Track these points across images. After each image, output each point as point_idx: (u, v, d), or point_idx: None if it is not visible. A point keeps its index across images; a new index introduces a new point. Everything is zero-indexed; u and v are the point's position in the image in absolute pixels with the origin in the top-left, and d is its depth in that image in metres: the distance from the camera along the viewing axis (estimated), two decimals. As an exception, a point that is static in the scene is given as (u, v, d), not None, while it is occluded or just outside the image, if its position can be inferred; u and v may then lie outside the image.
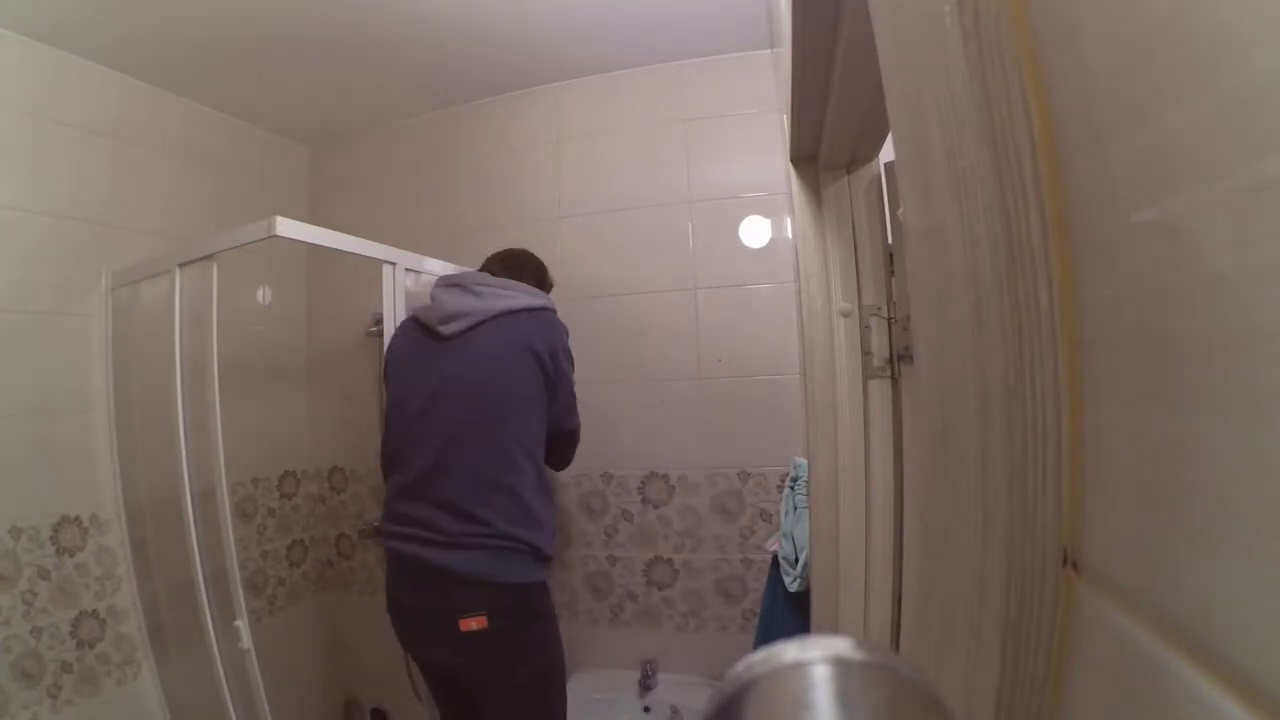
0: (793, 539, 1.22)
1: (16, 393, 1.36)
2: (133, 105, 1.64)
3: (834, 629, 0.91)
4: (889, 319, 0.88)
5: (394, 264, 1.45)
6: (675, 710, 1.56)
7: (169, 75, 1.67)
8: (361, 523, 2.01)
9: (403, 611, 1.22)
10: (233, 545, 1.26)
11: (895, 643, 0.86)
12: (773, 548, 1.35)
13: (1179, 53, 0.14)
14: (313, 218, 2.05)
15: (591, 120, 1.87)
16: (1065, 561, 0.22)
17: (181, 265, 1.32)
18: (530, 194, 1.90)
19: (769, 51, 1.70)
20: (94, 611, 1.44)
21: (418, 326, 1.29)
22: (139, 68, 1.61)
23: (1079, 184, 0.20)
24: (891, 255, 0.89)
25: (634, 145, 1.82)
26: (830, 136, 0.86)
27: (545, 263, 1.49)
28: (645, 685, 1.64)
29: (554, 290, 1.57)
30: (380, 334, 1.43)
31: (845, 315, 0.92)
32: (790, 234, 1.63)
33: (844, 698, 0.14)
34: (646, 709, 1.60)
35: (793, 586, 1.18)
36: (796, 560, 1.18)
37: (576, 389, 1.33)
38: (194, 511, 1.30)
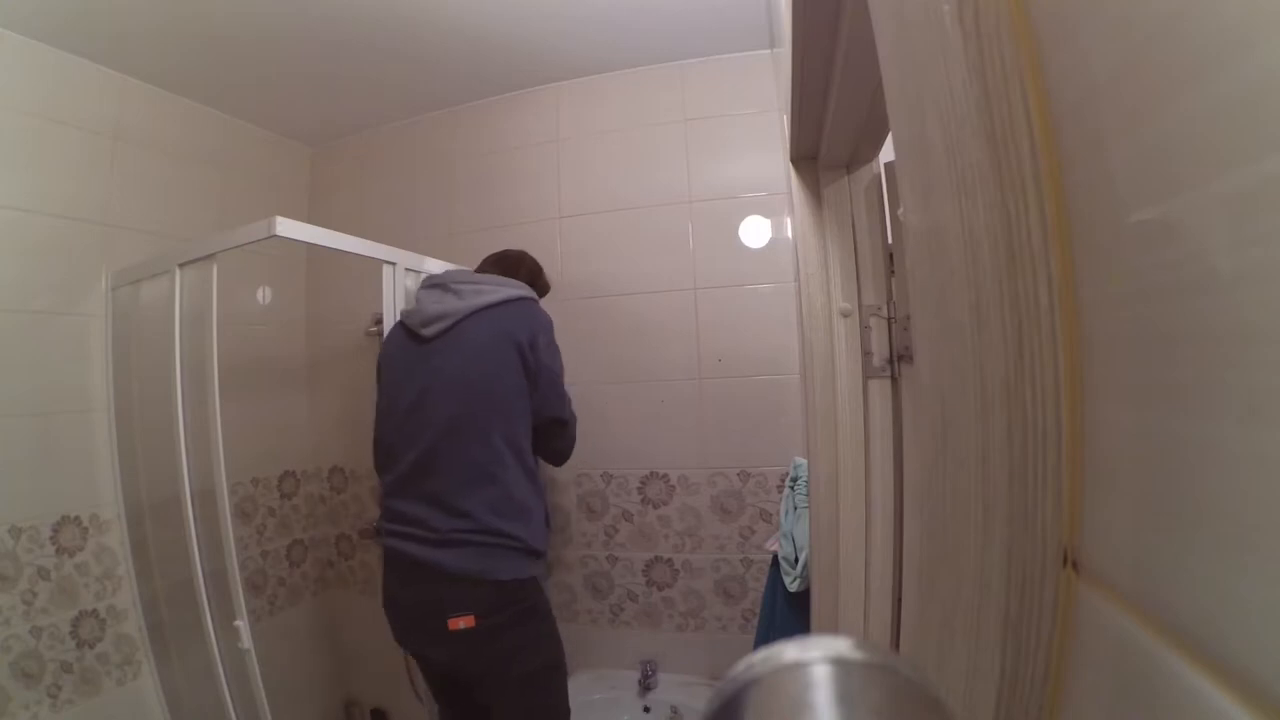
0: (793, 539, 1.22)
1: (16, 393, 1.36)
2: (133, 105, 1.63)
3: (834, 629, 0.91)
4: (889, 319, 0.88)
5: (394, 264, 1.45)
6: (675, 710, 1.56)
7: (169, 75, 1.67)
8: (361, 523, 2.01)
9: (396, 609, 1.23)
10: (233, 545, 1.26)
11: (895, 643, 0.86)
12: (773, 547, 1.35)
13: (1179, 53, 0.14)
14: (313, 218, 2.06)
15: (591, 120, 1.87)
16: (1065, 561, 0.22)
17: (181, 265, 1.32)
18: (530, 194, 1.90)
19: (769, 51, 1.70)
20: (94, 611, 1.44)
21: (404, 330, 1.31)
22: (139, 68, 1.61)
23: (1079, 184, 0.20)
24: (891, 255, 0.89)
25: (634, 145, 1.82)
26: (830, 136, 0.86)
27: (542, 264, 1.49)
28: (645, 685, 1.64)
29: (554, 290, 1.58)
30: (380, 334, 1.43)
31: (845, 315, 0.92)
32: (790, 234, 1.63)
33: (844, 698, 0.14)
34: (646, 709, 1.60)
35: (793, 586, 1.18)
36: (796, 560, 1.18)
37: (577, 387, 1.33)
38: (194, 511, 1.30)
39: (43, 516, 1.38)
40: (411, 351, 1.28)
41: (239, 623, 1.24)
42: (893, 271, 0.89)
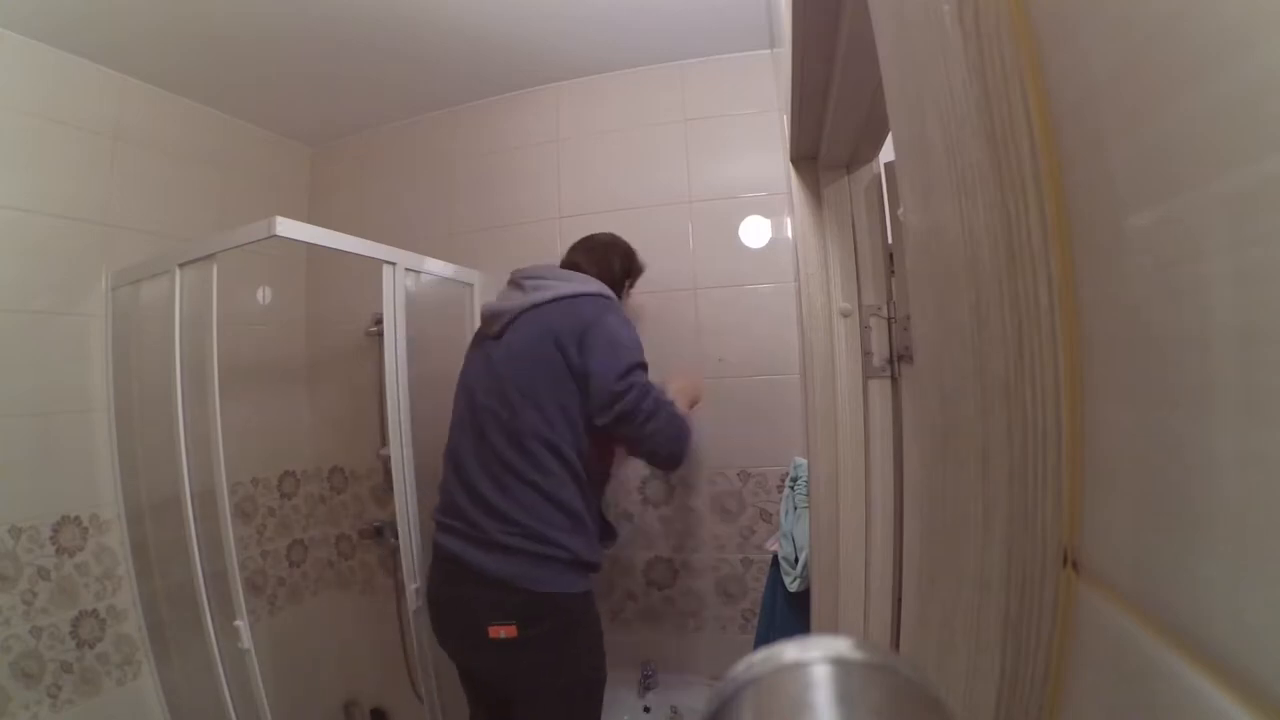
0: (793, 539, 1.22)
1: (16, 393, 1.36)
2: (133, 105, 1.63)
3: (834, 629, 0.91)
4: (889, 319, 0.88)
5: (394, 264, 1.45)
6: (675, 710, 1.56)
7: (169, 75, 1.66)
8: (361, 523, 2.01)
9: (435, 607, 1.22)
10: (233, 545, 1.26)
11: (895, 643, 0.86)
12: (773, 547, 1.35)
13: (1179, 53, 0.14)
14: (313, 218, 2.05)
15: (591, 120, 1.87)
16: (1065, 561, 0.22)
17: (181, 265, 1.33)
18: (530, 194, 1.90)
19: (769, 51, 1.70)
20: (94, 611, 1.44)
21: (482, 326, 1.33)
22: (139, 68, 1.61)
23: (1079, 184, 0.20)
24: (891, 255, 0.89)
25: (634, 145, 1.82)
26: (830, 136, 0.86)
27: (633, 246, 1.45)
28: (645, 685, 1.64)
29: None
30: (380, 334, 1.43)
31: (845, 315, 0.92)
32: (790, 234, 1.63)
33: (844, 698, 0.14)
34: (646, 709, 1.60)
35: (793, 586, 1.18)
36: (796, 560, 1.18)
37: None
38: (194, 511, 1.30)
39: (43, 516, 1.38)
40: (479, 348, 1.30)
41: (239, 623, 1.24)
42: (893, 271, 0.89)
